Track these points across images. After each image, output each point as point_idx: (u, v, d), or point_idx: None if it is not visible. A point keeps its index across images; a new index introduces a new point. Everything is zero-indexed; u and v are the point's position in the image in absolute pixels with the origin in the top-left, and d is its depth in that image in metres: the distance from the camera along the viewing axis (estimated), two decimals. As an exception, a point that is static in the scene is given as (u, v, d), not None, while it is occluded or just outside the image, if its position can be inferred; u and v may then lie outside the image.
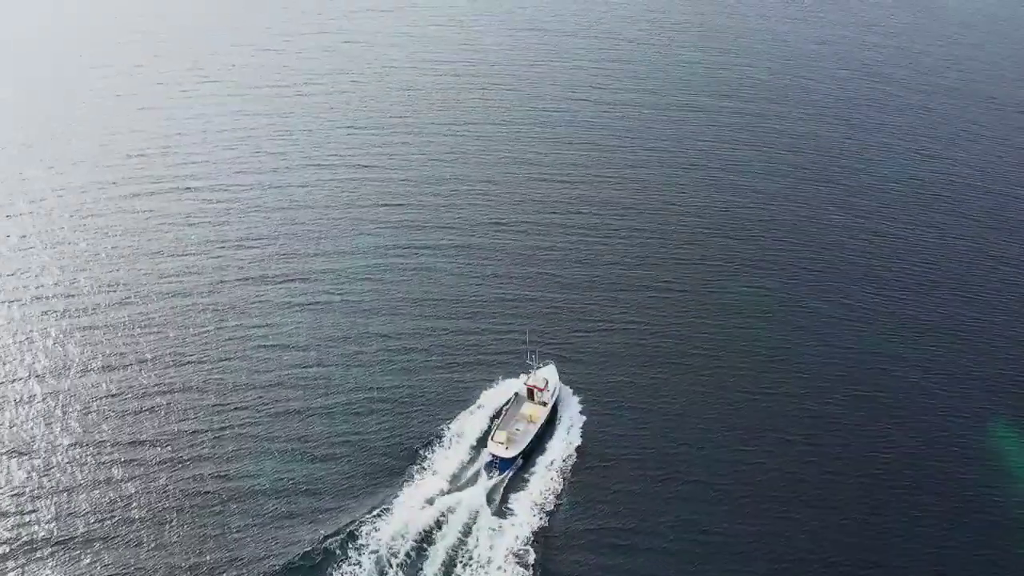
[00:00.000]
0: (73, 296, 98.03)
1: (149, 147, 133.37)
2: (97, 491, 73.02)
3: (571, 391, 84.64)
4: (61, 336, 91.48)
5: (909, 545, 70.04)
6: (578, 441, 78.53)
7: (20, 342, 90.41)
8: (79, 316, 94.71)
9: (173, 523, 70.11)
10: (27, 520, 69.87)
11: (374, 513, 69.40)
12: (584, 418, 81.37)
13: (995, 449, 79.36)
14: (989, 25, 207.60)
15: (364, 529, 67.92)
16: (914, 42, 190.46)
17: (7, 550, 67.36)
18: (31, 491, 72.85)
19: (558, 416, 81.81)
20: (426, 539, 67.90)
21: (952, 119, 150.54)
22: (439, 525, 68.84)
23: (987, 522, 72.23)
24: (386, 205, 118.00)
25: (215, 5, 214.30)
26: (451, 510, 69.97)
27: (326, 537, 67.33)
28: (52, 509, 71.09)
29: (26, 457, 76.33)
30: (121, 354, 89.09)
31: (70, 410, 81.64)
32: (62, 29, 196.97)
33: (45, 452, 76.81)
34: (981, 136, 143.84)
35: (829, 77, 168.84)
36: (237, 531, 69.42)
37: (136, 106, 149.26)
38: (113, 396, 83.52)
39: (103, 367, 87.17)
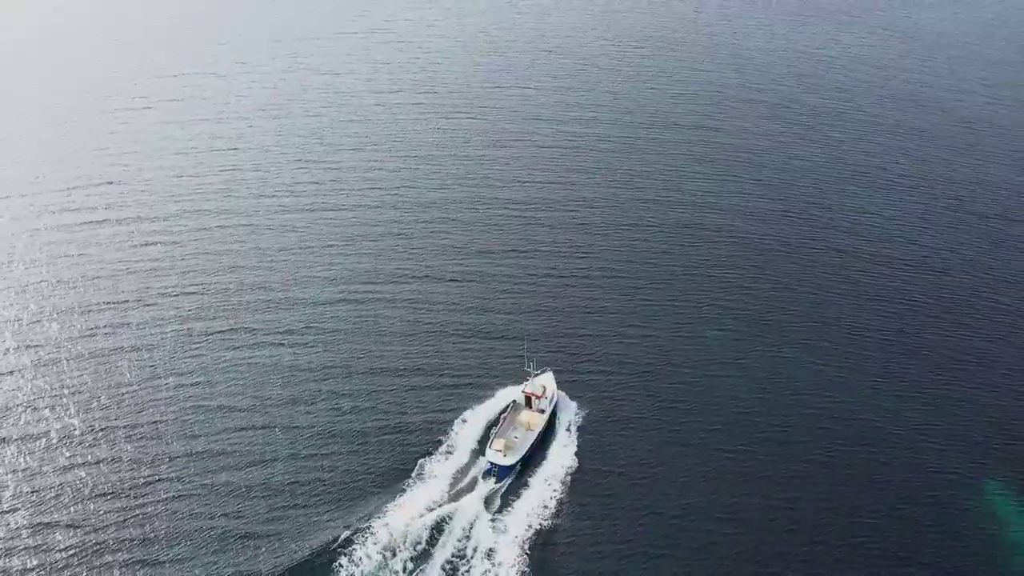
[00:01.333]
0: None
1: (87, 179, 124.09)
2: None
3: (569, 398, 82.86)
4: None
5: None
6: (576, 448, 78.99)
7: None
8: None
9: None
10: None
11: (371, 521, 68.80)
12: (582, 425, 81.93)
13: (991, 513, 76.30)
14: (965, 46, 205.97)
15: (360, 537, 67.43)
16: (892, 65, 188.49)
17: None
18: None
19: (556, 423, 79.71)
20: (423, 547, 67.69)
21: (934, 143, 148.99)
22: (437, 533, 68.84)
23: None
24: (360, 237, 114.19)
25: (165, 28, 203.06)
26: (449, 518, 70.03)
27: (323, 545, 66.55)
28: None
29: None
30: (48, 413, 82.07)
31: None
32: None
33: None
34: (961, 168, 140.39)
35: (809, 101, 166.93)
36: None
37: (76, 133, 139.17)
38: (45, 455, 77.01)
39: (21, 436, 78.92)
